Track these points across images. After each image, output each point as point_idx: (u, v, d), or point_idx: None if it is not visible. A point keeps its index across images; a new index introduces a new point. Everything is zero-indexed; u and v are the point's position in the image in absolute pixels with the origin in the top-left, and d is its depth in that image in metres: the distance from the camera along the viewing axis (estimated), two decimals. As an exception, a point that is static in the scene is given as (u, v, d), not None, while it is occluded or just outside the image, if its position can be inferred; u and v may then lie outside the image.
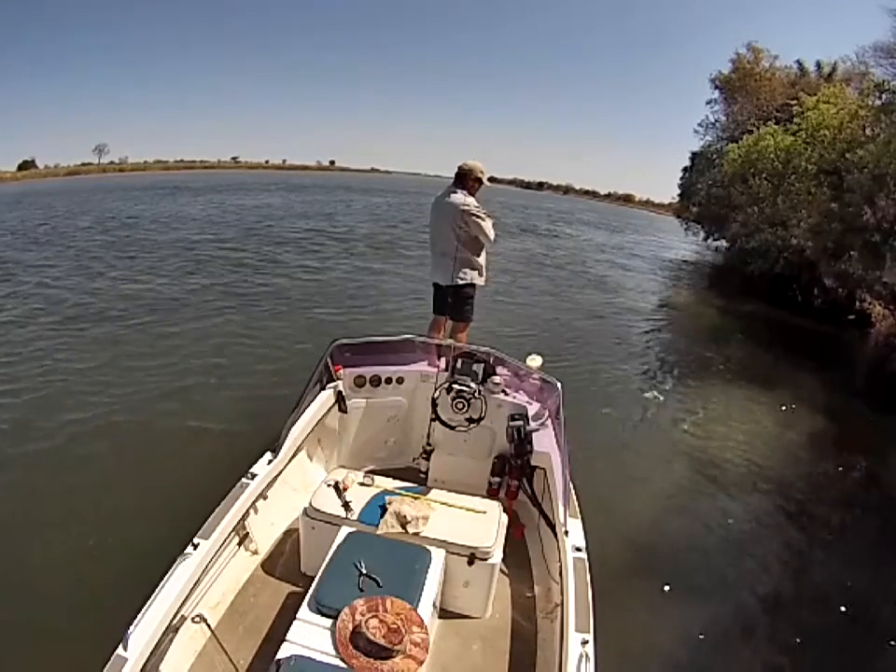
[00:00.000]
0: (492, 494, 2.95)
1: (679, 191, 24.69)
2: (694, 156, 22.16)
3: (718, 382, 6.96)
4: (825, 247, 11.07)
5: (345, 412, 3.11)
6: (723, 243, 20.38)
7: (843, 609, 3.21)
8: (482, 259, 3.72)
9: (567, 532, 2.30)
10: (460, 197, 3.57)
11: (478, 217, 3.55)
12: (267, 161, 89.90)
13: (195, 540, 2.00)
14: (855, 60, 14.80)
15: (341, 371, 3.08)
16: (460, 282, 3.65)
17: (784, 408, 6.21)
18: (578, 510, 2.46)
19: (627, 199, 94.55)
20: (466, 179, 3.63)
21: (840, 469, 4.99)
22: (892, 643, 3.03)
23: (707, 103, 20.94)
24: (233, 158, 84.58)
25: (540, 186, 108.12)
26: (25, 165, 51.66)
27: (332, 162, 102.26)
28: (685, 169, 23.52)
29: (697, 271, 19.98)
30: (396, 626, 1.78)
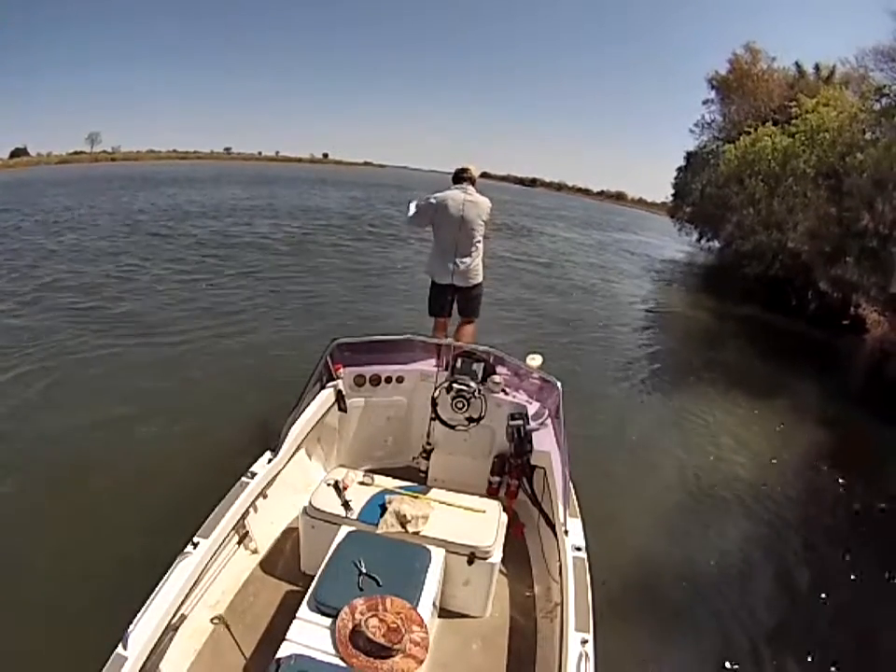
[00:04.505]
0: (492, 493, 2.95)
1: (672, 191, 24.78)
2: (690, 156, 22.21)
3: (710, 386, 6.87)
4: (821, 251, 11.06)
5: (345, 411, 3.10)
6: (716, 244, 20.43)
7: (846, 626, 3.17)
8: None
9: (566, 531, 2.31)
10: (481, 197, 3.62)
11: (491, 215, 3.68)
12: (260, 153, 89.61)
13: (195, 539, 2.00)
14: (854, 63, 14.83)
15: (341, 370, 3.06)
16: (479, 280, 3.73)
17: (779, 414, 6.16)
18: (578, 509, 2.47)
19: (619, 197, 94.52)
20: (474, 181, 3.71)
21: (837, 477, 4.92)
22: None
23: (704, 103, 21.03)
24: (226, 149, 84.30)
25: (533, 182, 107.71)
26: (17, 153, 51.19)
27: (325, 155, 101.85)
28: (680, 169, 23.56)
29: (690, 272, 19.91)
30: (396, 625, 1.78)
